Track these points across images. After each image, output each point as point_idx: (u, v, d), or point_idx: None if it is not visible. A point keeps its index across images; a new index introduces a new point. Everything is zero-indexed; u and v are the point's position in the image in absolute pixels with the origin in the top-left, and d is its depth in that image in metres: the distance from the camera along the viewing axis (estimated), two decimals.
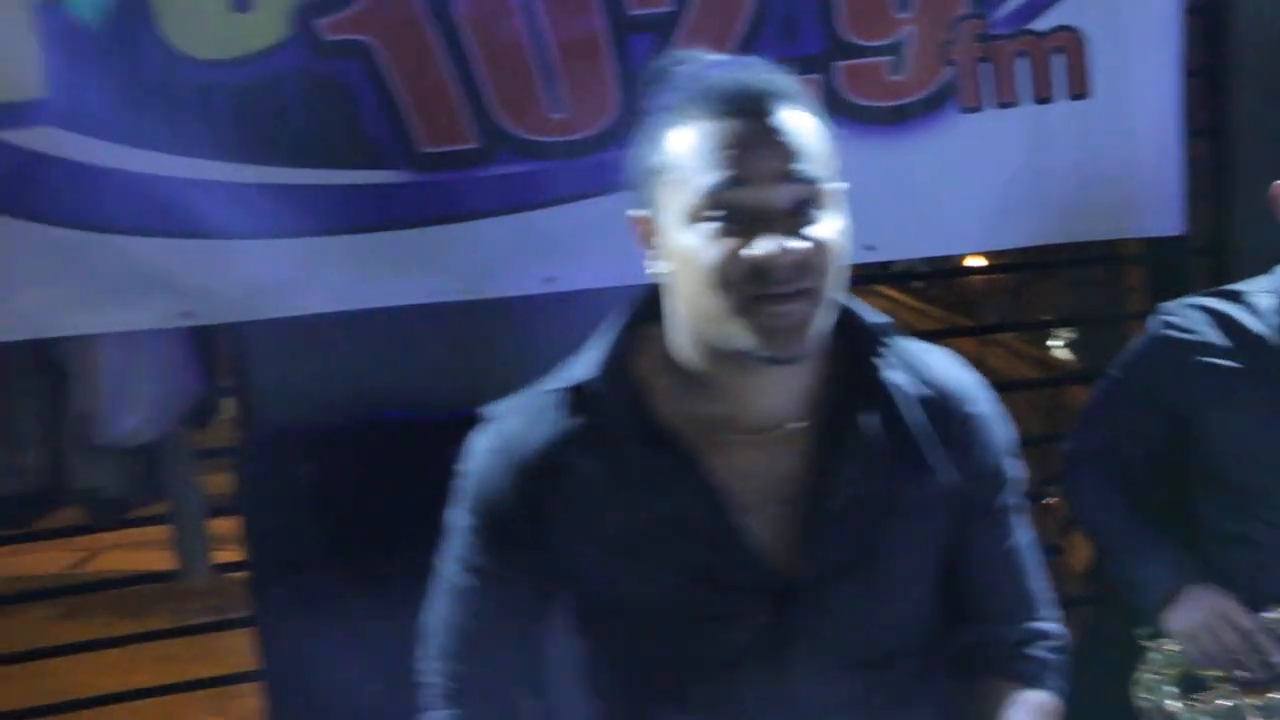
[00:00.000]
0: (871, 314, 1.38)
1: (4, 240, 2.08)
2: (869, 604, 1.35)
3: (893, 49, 2.30)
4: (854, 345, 1.36)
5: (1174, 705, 1.89)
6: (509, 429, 1.38)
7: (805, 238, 1.24)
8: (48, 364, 2.26)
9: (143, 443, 2.31)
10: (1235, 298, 1.99)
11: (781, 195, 1.23)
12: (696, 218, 1.25)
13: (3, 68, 2.04)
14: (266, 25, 2.10)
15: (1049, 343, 5.38)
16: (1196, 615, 1.91)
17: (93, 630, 3.91)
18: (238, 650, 3.25)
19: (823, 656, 1.34)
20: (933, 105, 2.34)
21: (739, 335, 1.25)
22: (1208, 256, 2.72)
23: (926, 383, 1.38)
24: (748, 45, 2.23)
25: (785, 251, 1.22)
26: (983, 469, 1.41)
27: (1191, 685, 1.91)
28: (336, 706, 2.21)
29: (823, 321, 1.28)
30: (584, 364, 1.37)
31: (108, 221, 2.11)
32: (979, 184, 2.38)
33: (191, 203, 2.12)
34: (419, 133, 2.16)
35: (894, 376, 1.37)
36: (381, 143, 2.15)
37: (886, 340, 1.37)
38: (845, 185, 1.31)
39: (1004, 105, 2.36)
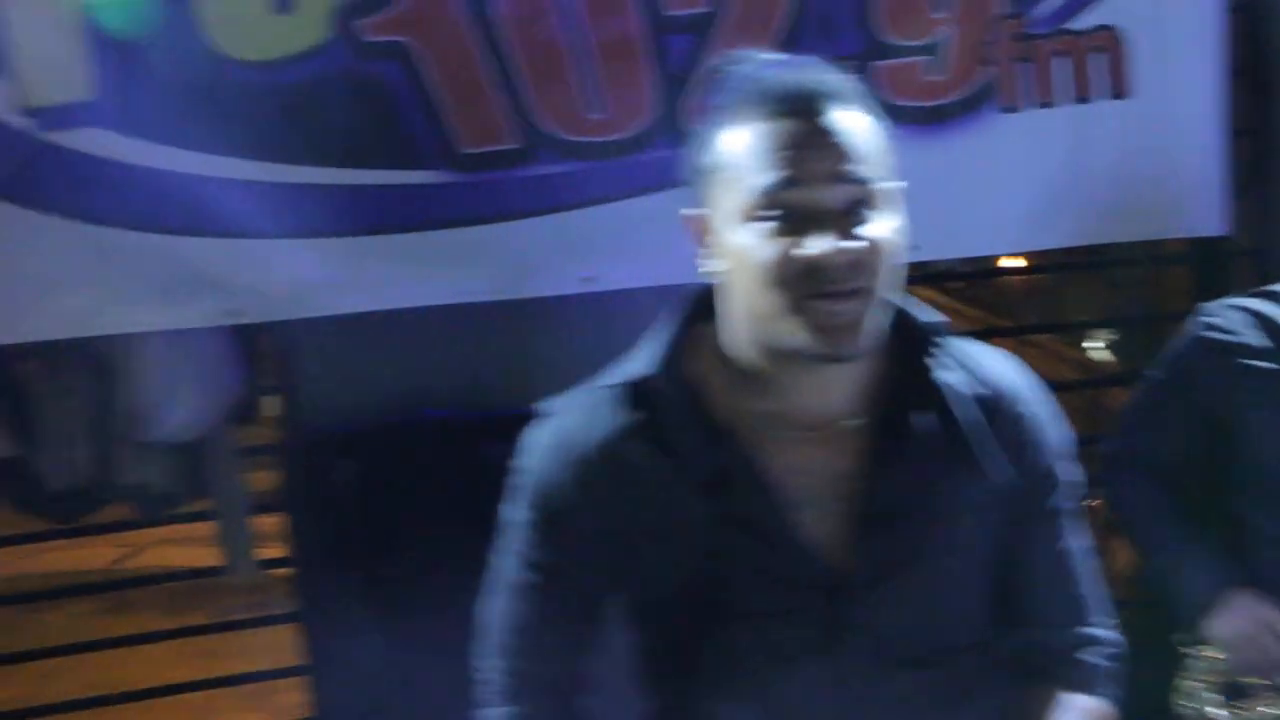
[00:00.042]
0: (926, 313, 1.39)
1: (55, 240, 2.12)
2: (922, 602, 1.36)
3: (930, 49, 2.30)
4: (908, 344, 1.37)
5: (1216, 712, 1.88)
6: (567, 424, 1.39)
7: (858, 237, 1.25)
8: (97, 362, 2.30)
9: (188, 440, 2.35)
10: (1277, 298, 1.97)
11: (835, 195, 1.25)
12: (750, 217, 1.26)
13: (52, 71, 2.08)
14: (308, 27, 2.13)
15: (1087, 344, 5.35)
16: (1238, 622, 1.90)
17: (136, 625, 3.95)
18: (278, 646, 3.29)
19: (876, 653, 1.34)
20: (971, 105, 2.34)
21: (792, 333, 1.26)
22: (1250, 257, 2.70)
23: (981, 382, 1.39)
24: (786, 46, 2.24)
25: (838, 251, 1.23)
26: (1036, 469, 1.41)
27: (1233, 692, 1.89)
28: (381, 701, 2.24)
29: (875, 320, 1.29)
30: (640, 360, 1.38)
31: (154, 221, 2.15)
32: (1018, 184, 2.38)
33: (236, 203, 2.15)
34: (459, 133, 2.18)
35: (948, 376, 1.37)
36: (422, 143, 2.18)
37: (941, 340, 1.38)
38: (901, 184, 1.32)
39: (1043, 105, 2.36)
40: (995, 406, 1.38)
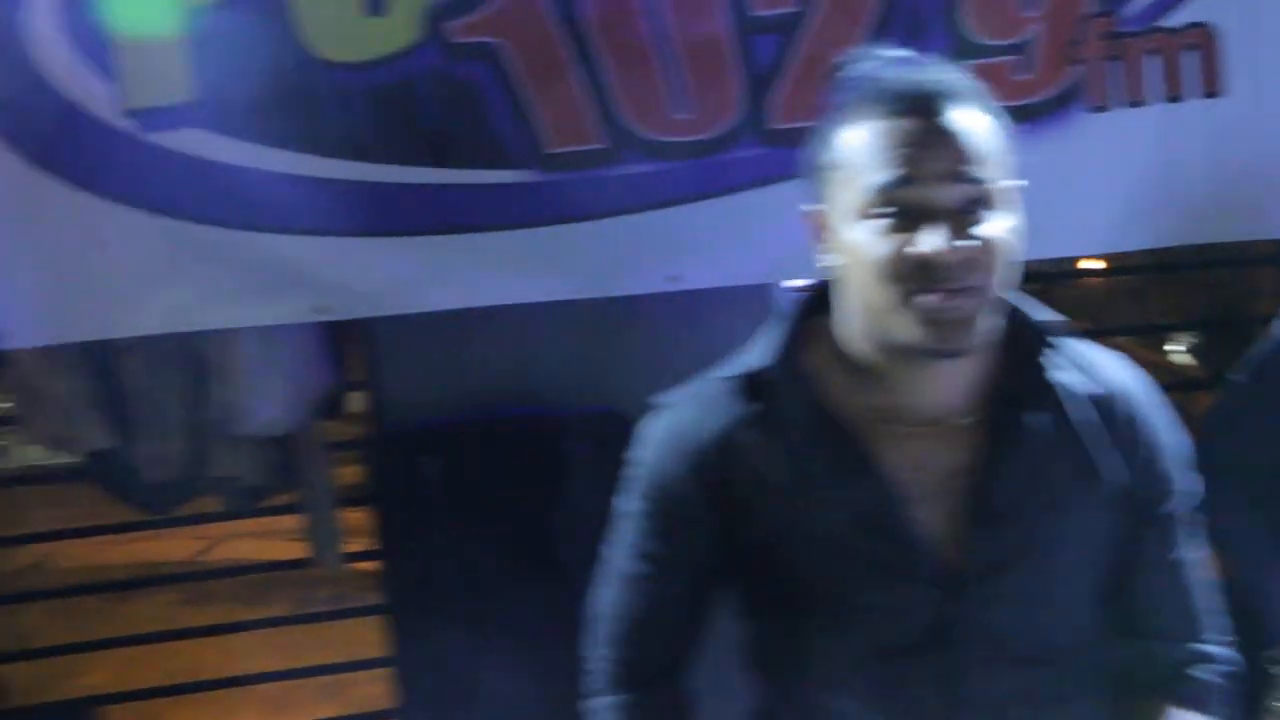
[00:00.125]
0: (1042, 312, 1.40)
1: (153, 238, 2.17)
2: (1034, 600, 1.35)
3: (1018, 48, 2.28)
4: (1023, 343, 1.37)
5: None
6: (683, 416, 1.40)
7: (972, 236, 1.26)
8: (191, 357, 2.35)
9: (278, 434, 2.39)
10: None
11: (950, 195, 1.26)
12: (866, 214, 1.28)
13: (153, 73, 2.13)
14: (399, 29, 2.16)
15: (1168, 347, 5.27)
16: None
17: (216, 616, 4.04)
18: (354, 639, 3.34)
19: (988, 650, 1.34)
20: (1059, 105, 2.31)
21: (904, 329, 1.27)
22: None
23: (1096, 382, 1.39)
24: (872, 45, 2.23)
25: (951, 249, 1.24)
26: (1150, 472, 1.40)
27: None
28: (465, 693, 2.26)
29: (988, 318, 1.29)
30: (756, 354, 1.40)
31: (249, 220, 2.19)
32: (1106, 184, 2.35)
33: (327, 201, 2.20)
34: (546, 133, 2.21)
35: (1062, 375, 1.37)
36: (509, 143, 2.20)
37: (1056, 339, 1.38)
38: (1021, 184, 1.32)
39: (1133, 104, 2.33)
40: (1110, 407, 1.38)
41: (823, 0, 2.22)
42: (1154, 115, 2.34)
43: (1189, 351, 5.14)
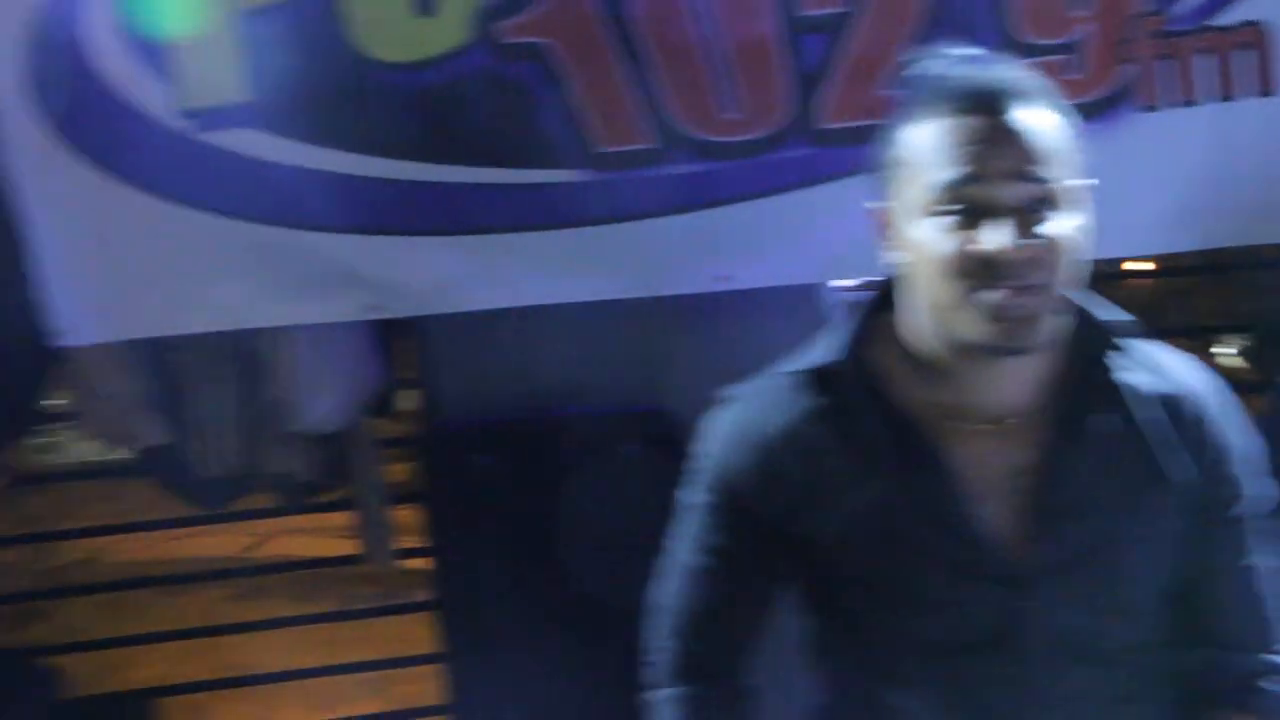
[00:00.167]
0: (1110, 312, 1.40)
1: (207, 237, 2.21)
2: (1099, 600, 1.35)
3: (1068, 48, 2.27)
4: (1090, 342, 1.38)
5: None
6: (749, 410, 1.41)
7: (1037, 235, 1.26)
8: (246, 354, 2.38)
9: (330, 431, 2.42)
10: None
11: (1015, 193, 1.26)
12: (931, 211, 1.28)
13: (208, 74, 2.16)
14: (449, 29, 2.18)
15: (1216, 349, 5.20)
16: None
17: (265, 611, 4.07)
18: (398, 636, 3.37)
19: (1053, 648, 1.34)
20: (1109, 105, 2.29)
21: (968, 326, 1.28)
22: None
23: (1164, 382, 1.38)
24: (921, 45, 2.22)
25: (1015, 247, 1.25)
26: (1219, 474, 1.39)
27: None
28: (515, 690, 2.28)
29: (1052, 316, 1.30)
30: (823, 349, 1.40)
31: (301, 218, 2.22)
32: (1157, 185, 2.33)
33: (378, 200, 2.22)
34: (595, 133, 2.22)
35: (1129, 375, 1.37)
36: (558, 142, 2.22)
37: (1123, 339, 1.38)
38: (1089, 182, 1.33)
39: (1185, 104, 2.31)
40: (1178, 407, 1.37)
41: (871, 0, 2.22)
42: (1206, 115, 2.31)
43: (1239, 354, 5.07)
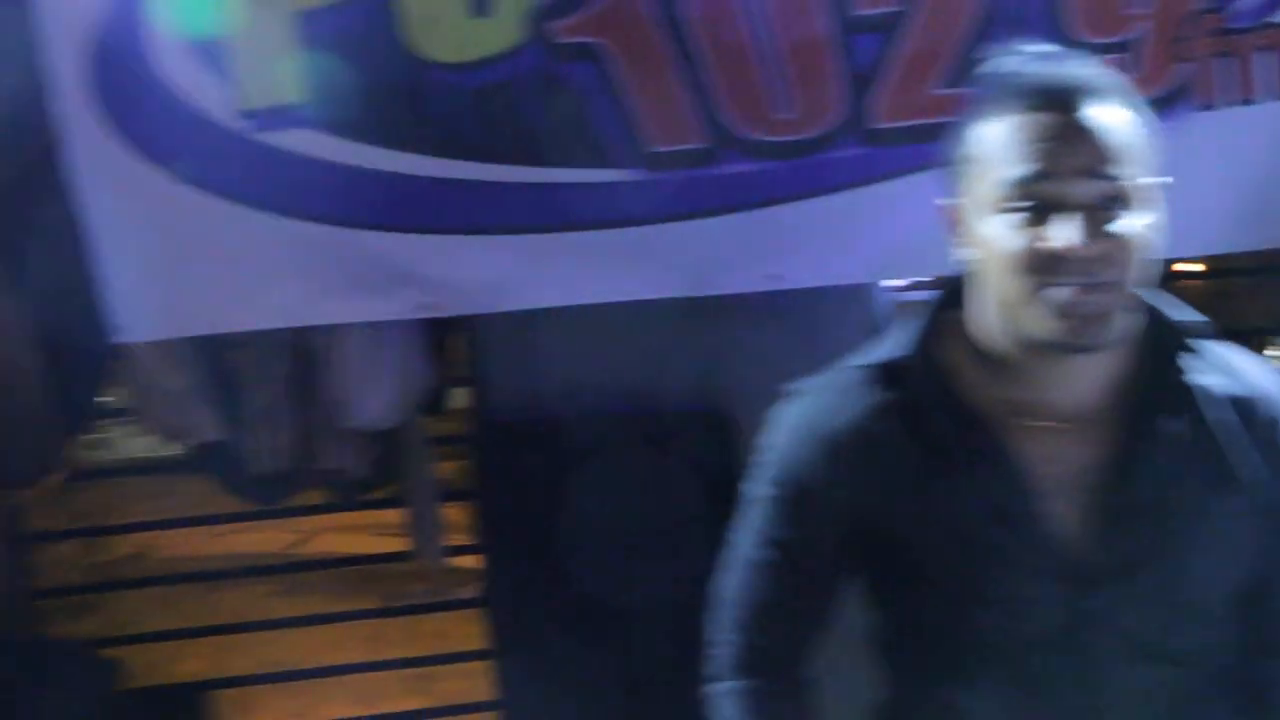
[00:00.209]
0: (1182, 312, 1.39)
1: (264, 236, 2.23)
2: (1167, 601, 1.34)
3: (1124, 46, 2.25)
4: (1162, 342, 1.37)
5: None
6: (817, 403, 1.42)
7: (1107, 233, 1.26)
8: (300, 352, 2.40)
9: (383, 428, 2.43)
10: None
11: (1086, 190, 1.26)
12: (1001, 208, 1.29)
13: (266, 75, 2.18)
14: (504, 30, 2.19)
15: (1270, 351, 5.13)
16: None
17: (308, 607, 4.11)
18: (443, 633, 3.39)
19: (1117, 648, 1.34)
20: (1166, 104, 2.27)
21: (1036, 323, 1.28)
22: None
23: (1237, 384, 1.37)
24: (975, 45, 2.22)
25: (1084, 244, 1.25)
26: None
27: None
28: (565, 686, 2.29)
29: (1122, 315, 1.30)
30: (892, 344, 1.41)
31: (356, 217, 2.24)
32: (1215, 184, 2.30)
33: (433, 199, 2.23)
34: (648, 132, 2.22)
35: (1201, 376, 1.37)
36: (611, 142, 2.22)
37: (1194, 339, 1.37)
38: (1164, 180, 1.33)
39: (1244, 102, 2.29)
40: (1250, 409, 1.36)
41: (925, 0, 2.21)
42: (1265, 113, 2.29)
43: None
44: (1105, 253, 1.25)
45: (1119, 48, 2.25)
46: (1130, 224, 1.27)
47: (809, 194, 2.26)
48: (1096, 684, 1.34)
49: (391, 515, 3.04)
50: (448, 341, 2.55)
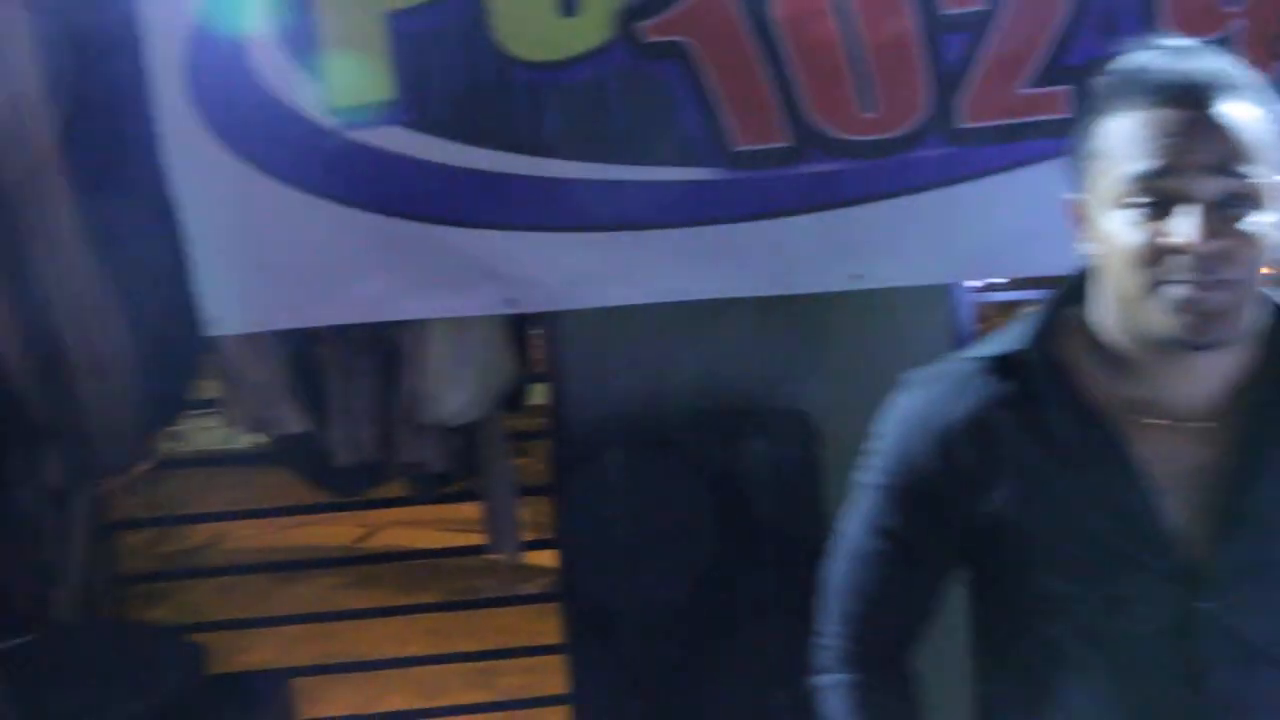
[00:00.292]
0: None
1: (352, 231, 2.25)
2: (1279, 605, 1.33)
3: (1220, 44, 2.22)
4: None
5: None
6: (932, 394, 1.41)
7: (1231, 230, 1.24)
8: (385, 346, 2.43)
9: (464, 423, 2.45)
10: None
11: (1210, 187, 1.24)
12: (1123, 203, 1.28)
13: (356, 73, 2.21)
14: (592, 28, 2.20)
15: None
16: None
17: (373, 600, 4.15)
18: (506, 629, 3.41)
19: (1233, 650, 1.32)
20: None
21: (1156, 319, 1.27)
22: None
23: None
24: (1064, 44, 2.20)
25: (1205, 241, 1.23)
26: None
27: None
28: (639, 683, 2.30)
29: (1244, 313, 1.28)
30: (1011, 337, 1.40)
31: (442, 214, 2.26)
32: None
33: (519, 196, 2.25)
34: (733, 131, 2.22)
35: None
36: (697, 140, 2.23)
37: None
38: None
39: None
40: None
41: None
42: None
43: None
44: (1227, 250, 1.23)
45: (1215, 46, 2.22)
46: (1255, 221, 1.25)
47: (893, 193, 2.25)
48: (1203, 685, 1.32)
49: (461, 510, 3.06)
50: (529, 338, 2.57)
